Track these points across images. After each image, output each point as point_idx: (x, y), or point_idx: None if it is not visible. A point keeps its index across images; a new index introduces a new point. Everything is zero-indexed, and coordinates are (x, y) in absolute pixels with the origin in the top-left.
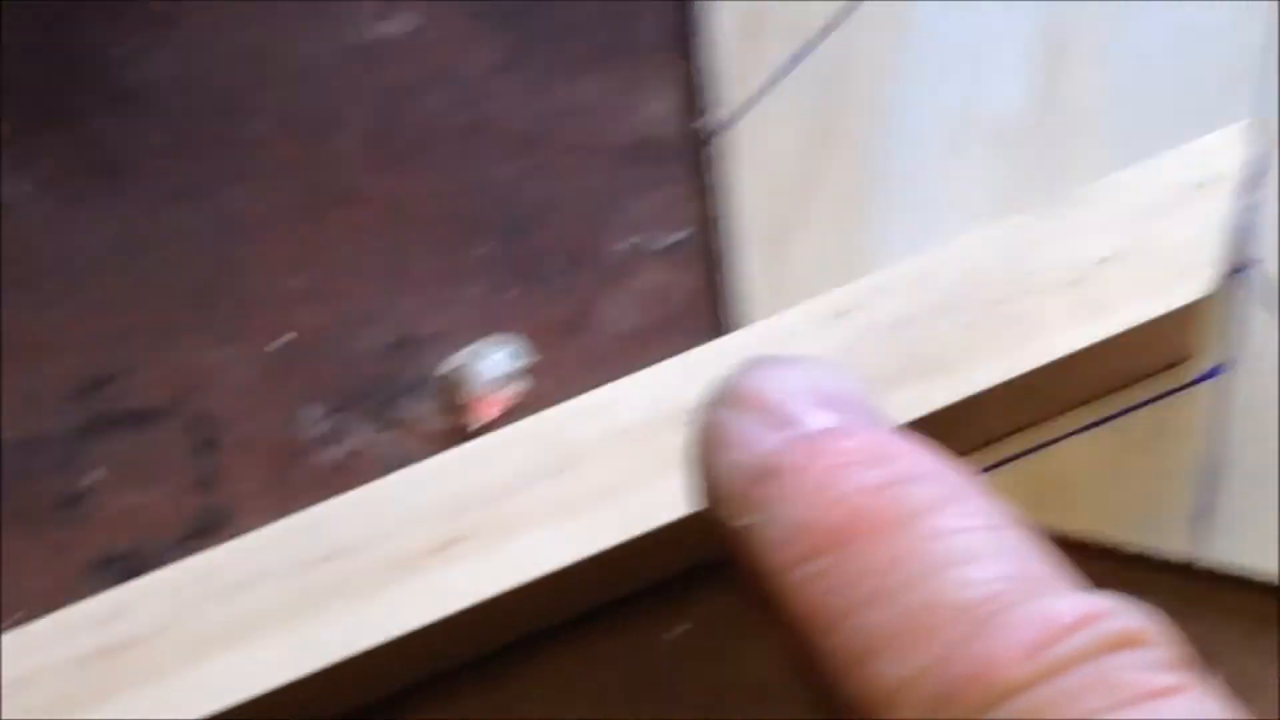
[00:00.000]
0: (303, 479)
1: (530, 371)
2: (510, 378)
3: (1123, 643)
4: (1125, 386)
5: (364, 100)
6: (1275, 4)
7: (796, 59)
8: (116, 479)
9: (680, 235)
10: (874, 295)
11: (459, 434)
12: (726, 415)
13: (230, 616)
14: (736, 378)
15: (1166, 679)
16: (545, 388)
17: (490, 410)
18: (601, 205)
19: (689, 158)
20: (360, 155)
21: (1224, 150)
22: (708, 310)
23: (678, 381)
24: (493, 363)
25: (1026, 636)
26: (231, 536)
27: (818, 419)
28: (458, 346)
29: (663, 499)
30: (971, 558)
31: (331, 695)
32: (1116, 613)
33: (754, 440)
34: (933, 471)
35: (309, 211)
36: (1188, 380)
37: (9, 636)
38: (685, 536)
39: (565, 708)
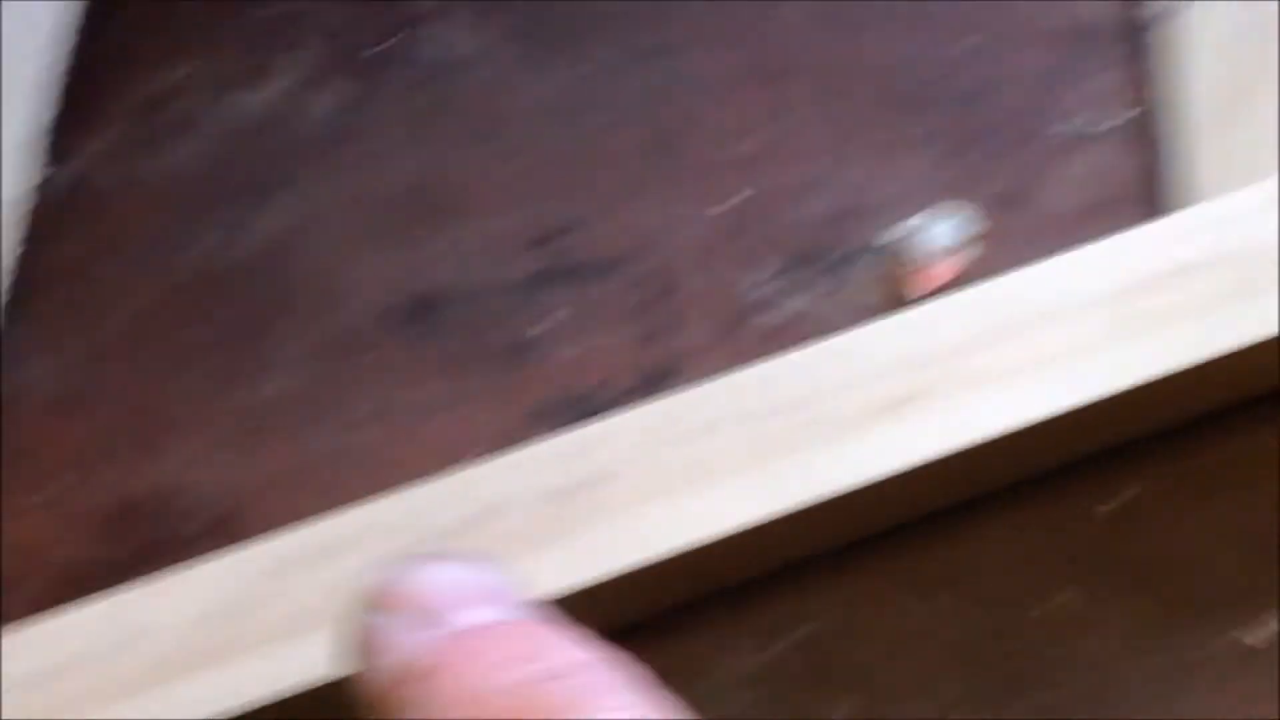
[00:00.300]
0: (748, 337)
1: (968, 246)
2: (957, 247)
3: None
4: None
5: None
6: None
7: None
8: (567, 328)
9: (1122, 118)
10: None
11: (902, 300)
12: (376, 618)
13: (684, 462)
14: (387, 578)
15: None
16: (982, 262)
17: (935, 278)
18: (1045, 85)
19: (1131, 42)
20: (814, 24)
21: None
22: (1149, 192)
23: (1124, 257)
24: (940, 231)
25: None
26: (676, 389)
27: (468, 616)
28: (902, 216)
29: (1109, 368)
30: None
31: (773, 546)
32: None
33: (402, 642)
34: (582, 664)
35: (763, 76)
36: None
37: (464, 473)
38: (1132, 406)
39: (999, 571)
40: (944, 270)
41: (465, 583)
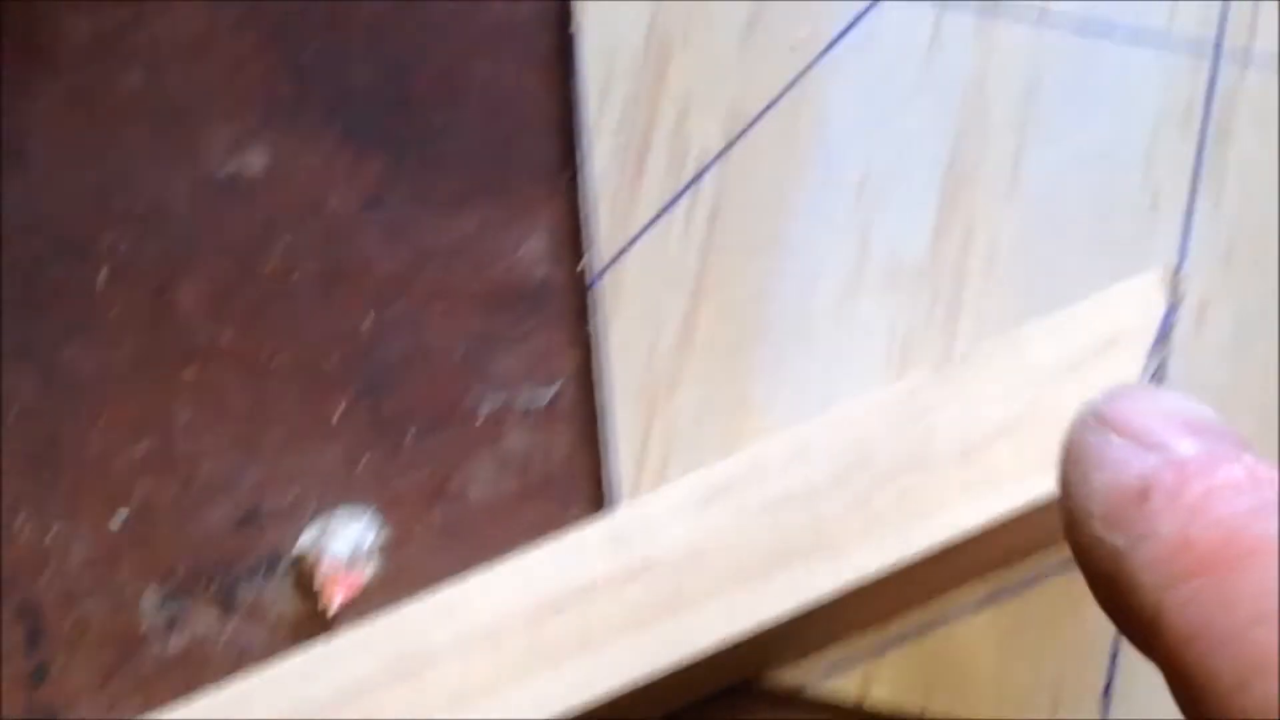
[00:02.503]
0: (141, 672)
1: (387, 547)
2: (365, 555)
3: None
4: (1028, 555)
5: (214, 245)
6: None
7: (678, 195)
8: None
9: (553, 391)
10: (752, 472)
11: (311, 618)
12: (1097, 438)
13: None
14: (1101, 404)
15: None
16: (404, 563)
17: (343, 592)
18: (470, 358)
19: (565, 304)
20: (210, 306)
21: (1132, 303)
22: (580, 475)
23: (534, 575)
24: (346, 538)
25: None
26: None
27: (1186, 445)
28: (310, 520)
29: (531, 699)
30: None
31: None
32: None
33: (1127, 461)
34: None
35: (152, 371)
36: None
37: None
38: None
39: None
40: (349, 584)
41: (1181, 412)
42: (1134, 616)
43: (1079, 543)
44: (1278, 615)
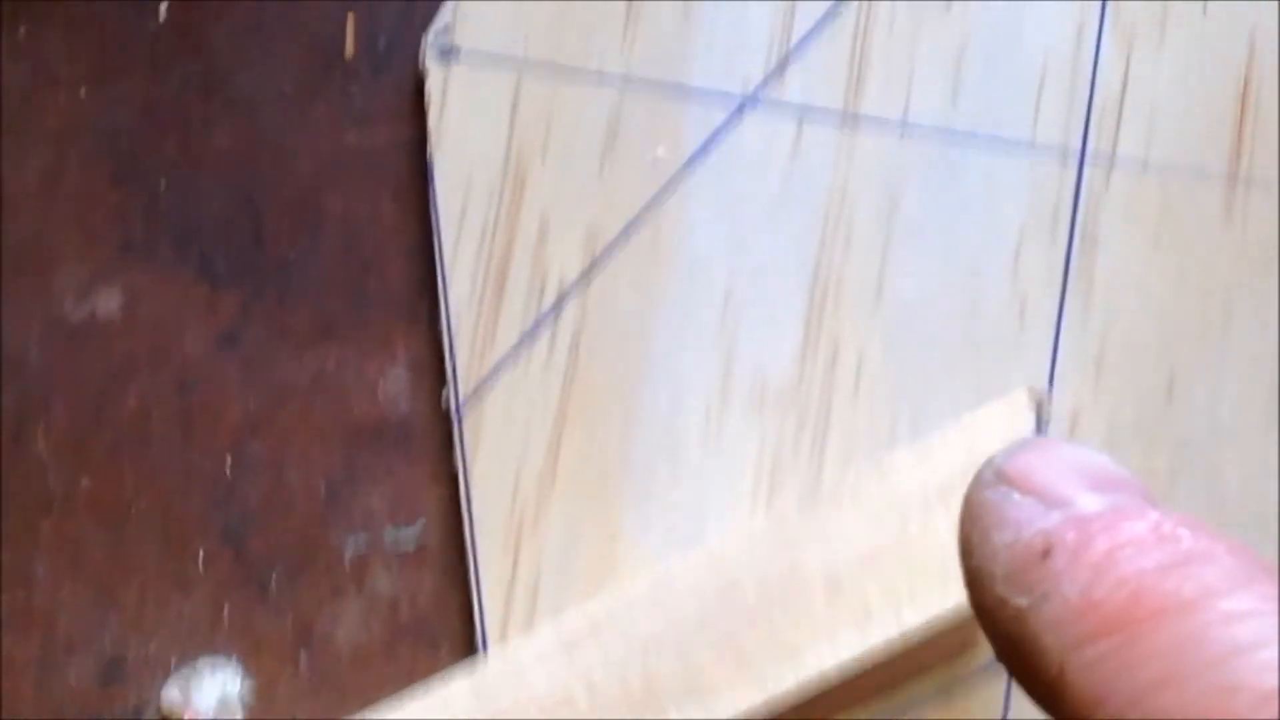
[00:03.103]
0: None
1: (254, 697)
2: (231, 705)
3: None
4: (903, 682)
5: (67, 391)
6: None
7: (539, 323)
8: None
9: (419, 528)
10: (619, 614)
11: None
12: (997, 495)
13: None
14: (1003, 460)
15: None
16: (272, 713)
17: None
18: (333, 497)
19: (428, 438)
20: (66, 453)
21: (999, 424)
22: (450, 614)
23: None
24: (211, 689)
25: None
26: None
27: (1089, 501)
28: (174, 671)
29: None
30: (1267, 642)
31: None
32: None
33: (1029, 519)
34: (1216, 553)
35: (9, 522)
36: (972, 669)
37: None
38: None
39: None
40: None
41: (1085, 467)
42: (1039, 679)
43: (981, 604)
44: (1184, 677)
